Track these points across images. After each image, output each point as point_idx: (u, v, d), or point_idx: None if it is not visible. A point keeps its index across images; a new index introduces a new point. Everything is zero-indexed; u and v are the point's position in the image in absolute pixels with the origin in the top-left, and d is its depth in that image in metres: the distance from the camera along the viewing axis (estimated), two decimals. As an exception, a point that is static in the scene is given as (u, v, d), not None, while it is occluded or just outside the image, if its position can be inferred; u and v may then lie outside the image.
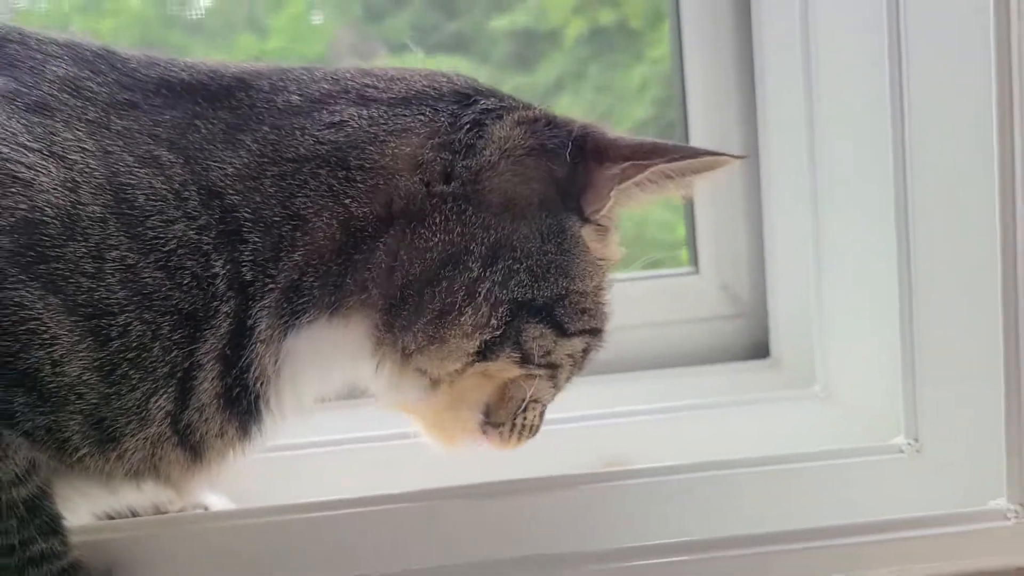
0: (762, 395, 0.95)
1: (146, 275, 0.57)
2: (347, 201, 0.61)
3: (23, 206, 0.54)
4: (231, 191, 0.59)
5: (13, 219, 0.54)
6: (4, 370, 0.54)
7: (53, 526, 0.60)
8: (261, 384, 0.61)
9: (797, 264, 0.95)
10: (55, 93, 0.59)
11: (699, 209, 1.07)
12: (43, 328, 0.55)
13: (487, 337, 0.63)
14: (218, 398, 0.60)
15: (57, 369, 0.55)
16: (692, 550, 0.64)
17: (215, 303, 0.58)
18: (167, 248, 0.57)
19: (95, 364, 0.56)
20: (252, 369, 0.60)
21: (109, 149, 0.58)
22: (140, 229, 0.57)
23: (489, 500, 0.70)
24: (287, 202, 0.60)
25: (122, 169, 0.58)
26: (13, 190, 0.54)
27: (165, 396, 0.58)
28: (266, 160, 0.60)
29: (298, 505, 0.69)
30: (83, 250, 0.55)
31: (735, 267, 1.07)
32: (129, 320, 0.56)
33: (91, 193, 0.56)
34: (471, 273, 0.62)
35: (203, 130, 0.61)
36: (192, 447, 0.61)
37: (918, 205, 0.72)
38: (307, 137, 0.61)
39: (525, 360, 0.64)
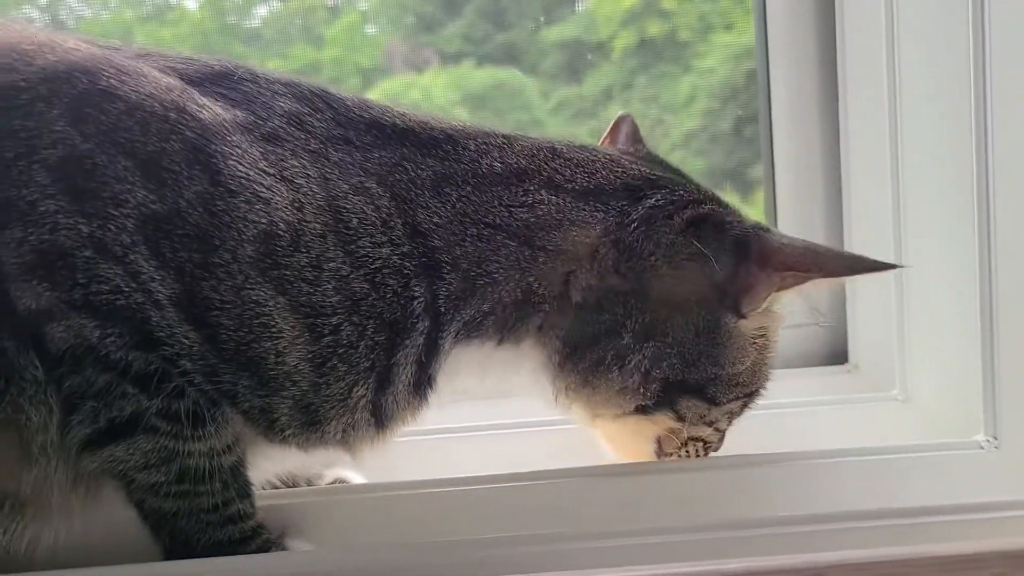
0: (843, 396, 1.01)
1: (355, 285, 0.66)
2: (530, 278, 0.71)
3: (263, 220, 0.65)
4: (435, 237, 0.69)
5: (256, 231, 0.64)
6: (238, 356, 0.65)
7: (247, 490, 0.70)
8: (437, 376, 0.72)
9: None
10: (284, 126, 0.68)
11: (781, 220, 1.13)
12: (272, 323, 0.65)
13: (640, 403, 0.74)
14: (409, 386, 0.71)
15: (279, 358, 0.65)
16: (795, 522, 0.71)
17: (413, 320, 0.68)
18: (374, 266, 0.67)
19: (309, 356, 0.66)
20: (435, 367, 0.71)
21: (328, 176, 0.67)
22: (352, 246, 0.67)
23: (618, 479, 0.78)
24: (482, 263, 0.70)
25: (339, 194, 0.67)
26: (258, 207, 0.65)
27: (365, 386, 0.68)
28: (467, 219, 0.70)
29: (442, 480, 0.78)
30: (305, 260, 0.65)
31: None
32: (340, 321, 0.66)
33: (314, 213, 0.66)
34: (622, 341, 0.73)
35: (410, 172, 0.70)
36: (380, 423, 0.71)
37: (1000, 208, 0.78)
38: (503, 209, 0.71)
39: (681, 420, 0.76)
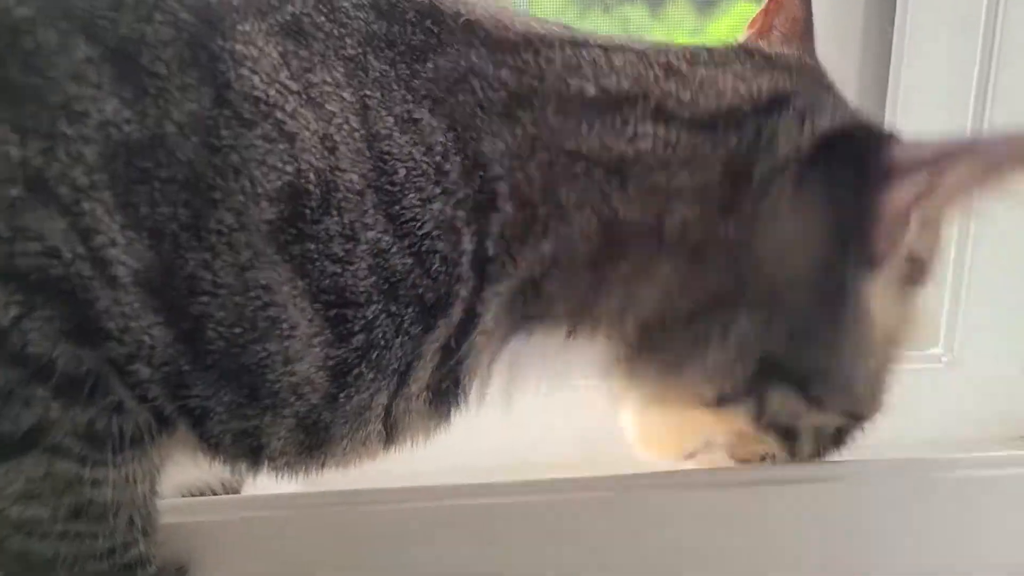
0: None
1: (397, 261, 0.47)
2: (615, 204, 0.51)
3: (290, 168, 0.43)
4: (497, 165, 0.49)
5: (279, 183, 0.43)
6: (225, 362, 0.44)
7: (153, 524, 0.49)
8: (469, 378, 0.52)
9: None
10: (309, 12, 0.46)
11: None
12: (285, 316, 0.44)
13: (727, 388, 0.55)
14: (427, 389, 0.50)
15: (288, 367, 0.45)
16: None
17: (456, 286, 0.49)
18: (423, 231, 0.47)
19: (330, 363, 0.46)
20: (466, 362, 0.51)
21: (368, 103, 0.46)
22: (397, 207, 0.46)
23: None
24: (550, 187, 0.50)
25: (383, 132, 0.46)
26: (282, 146, 0.43)
27: (387, 392, 0.48)
28: (540, 144, 0.50)
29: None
30: (336, 228, 0.45)
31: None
32: (376, 313, 0.46)
33: (351, 158, 0.45)
34: (724, 310, 0.53)
35: (478, 92, 0.49)
36: (390, 436, 0.51)
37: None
38: (593, 138, 0.51)
39: (759, 417, 0.56)
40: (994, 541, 0.62)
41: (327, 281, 0.45)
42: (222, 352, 0.44)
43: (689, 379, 0.54)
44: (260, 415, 0.46)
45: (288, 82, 0.44)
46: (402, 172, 0.46)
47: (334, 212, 0.45)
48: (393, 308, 0.47)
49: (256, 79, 0.43)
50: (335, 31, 0.46)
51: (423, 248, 0.47)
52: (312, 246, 0.44)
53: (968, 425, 0.86)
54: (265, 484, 0.58)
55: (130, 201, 0.42)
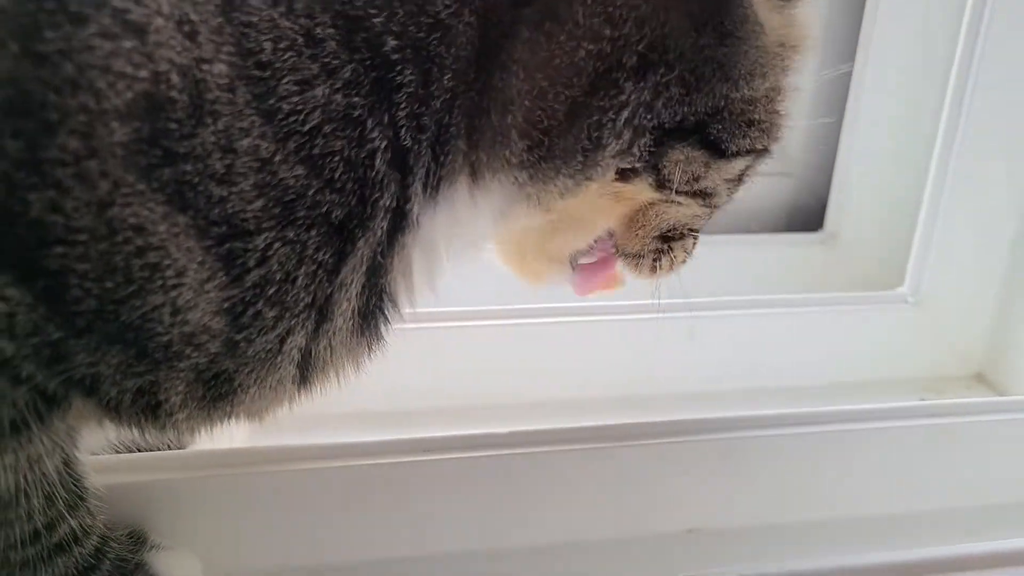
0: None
1: (285, 172, 0.38)
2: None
3: (143, 73, 0.34)
4: (372, 9, 0.39)
5: (131, 94, 0.34)
6: (102, 322, 0.36)
7: (81, 494, 0.43)
8: (398, 285, 0.45)
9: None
10: None
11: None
12: (167, 262, 0.36)
13: (624, 166, 0.46)
14: (355, 315, 0.43)
15: (177, 317, 0.37)
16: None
17: (375, 196, 0.40)
18: (308, 126, 0.38)
19: (225, 306, 0.38)
20: (393, 271, 0.43)
21: None
22: (272, 101, 0.37)
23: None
24: (425, 5, 0.40)
25: (236, 1, 0.37)
26: (127, 43, 0.34)
27: (302, 333, 0.41)
28: None
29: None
30: (212, 139, 0.36)
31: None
32: (269, 242, 0.38)
33: (212, 42, 0.36)
34: (621, 96, 0.43)
35: None
36: (305, 378, 0.44)
37: None
38: None
39: (664, 187, 0.48)
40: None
41: (215, 210, 0.36)
42: (94, 312, 0.36)
43: (585, 177, 0.46)
44: (154, 370, 0.38)
45: None
46: (267, 48, 0.37)
47: (208, 119, 0.36)
48: (290, 234, 0.38)
49: None
50: None
51: (314, 151, 0.38)
52: (188, 167, 0.35)
53: (929, 363, 0.86)
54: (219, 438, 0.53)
55: None
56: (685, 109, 0.45)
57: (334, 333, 0.42)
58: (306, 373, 0.44)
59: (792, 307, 0.83)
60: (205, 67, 0.36)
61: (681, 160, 0.47)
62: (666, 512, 0.59)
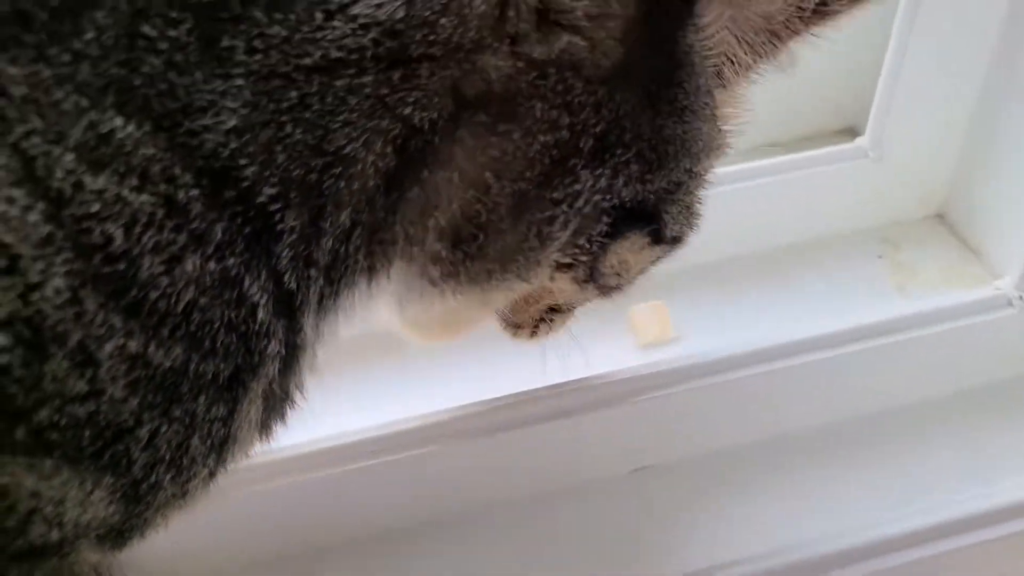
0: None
1: (161, 359, 0.34)
2: (407, 111, 0.37)
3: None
4: (241, 156, 0.34)
5: None
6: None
7: None
8: (297, 389, 0.43)
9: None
10: None
11: None
12: (44, 505, 0.33)
13: (564, 260, 0.46)
14: (255, 427, 0.41)
15: (66, 530, 0.35)
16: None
17: (262, 345, 0.37)
18: (182, 304, 0.34)
19: (118, 495, 0.36)
20: (292, 383, 0.42)
21: (27, 148, 0.31)
22: (134, 293, 0.33)
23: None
24: (321, 142, 0.36)
25: (66, 187, 0.31)
26: None
27: (202, 475, 0.39)
28: (277, 81, 0.34)
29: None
30: (65, 365, 0.32)
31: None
32: (152, 431, 0.35)
33: (40, 259, 0.31)
34: (576, 184, 0.42)
35: (159, 46, 0.33)
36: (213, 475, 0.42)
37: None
38: (336, 26, 0.35)
39: (589, 280, 0.48)
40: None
41: (86, 432, 0.33)
42: None
43: (526, 275, 0.45)
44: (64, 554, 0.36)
45: None
46: (118, 235, 0.32)
47: (53, 348, 0.31)
48: (176, 412, 0.35)
49: None
50: None
51: (191, 327, 0.34)
52: (44, 413, 0.32)
53: (890, 213, 0.84)
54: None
55: None
56: (645, 187, 0.44)
57: (237, 449, 0.41)
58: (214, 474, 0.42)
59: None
60: (35, 296, 0.31)
61: (625, 249, 0.46)
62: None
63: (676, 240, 0.49)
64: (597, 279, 0.48)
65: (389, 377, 0.69)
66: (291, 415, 0.44)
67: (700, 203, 0.49)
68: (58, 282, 0.31)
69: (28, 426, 0.32)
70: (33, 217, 0.31)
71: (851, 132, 0.91)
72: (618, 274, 0.48)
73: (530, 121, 0.40)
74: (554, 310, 0.54)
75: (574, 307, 0.54)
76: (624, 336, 0.74)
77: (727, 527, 0.62)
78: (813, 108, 0.92)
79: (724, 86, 0.47)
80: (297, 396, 0.43)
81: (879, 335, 0.66)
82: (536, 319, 0.54)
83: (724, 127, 0.48)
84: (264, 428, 0.42)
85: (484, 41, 0.38)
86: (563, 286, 0.48)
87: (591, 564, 0.60)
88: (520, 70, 0.39)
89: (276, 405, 0.42)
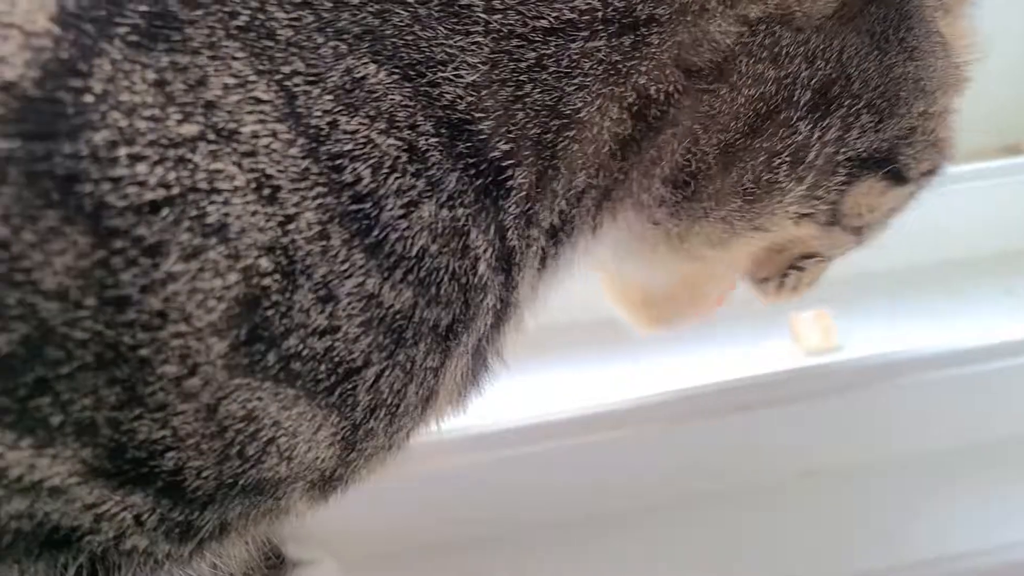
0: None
1: (392, 300, 0.35)
2: (641, 80, 0.39)
3: (232, 278, 0.31)
4: (477, 111, 0.36)
5: (224, 305, 0.31)
6: (219, 494, 0.35)
7: None
8: (500, 354, 0.43)
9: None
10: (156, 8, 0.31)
11: None
12: (280, 433, 0.35)
13: (804, 211, 0.45)
14: (459, 384, 0.42)
15: (292, 464, 0.36)
16: None
17: (479, 298, 0.38)
18: (416, 248, 0.35)
19: (338, 438, 0.37)
20: (496, 344, 0.42)
21: (291, 87, 0.33)
22: (376, 232, 0.34)
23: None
24: (557, 104, 0.37)
25: (323, 124, 0.33)
26: (211, 254, 0.31)
27: (407, 428, 0.40)
28: (515, 41, 0.36)
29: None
30: (310, 297, 0.33)
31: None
32: (379, 372, 0.36)
33: (296, 192, 0.32)
34: (797, 136, 0.42)
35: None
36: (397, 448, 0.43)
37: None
38: None
39: (831, 224, 0.47)
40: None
41: (322, 367, 0.34)
42: (214, 489, 0.35)
43: (757, 223, 0.45)
44: (275, 501, 0.37)
45: (180, 126, 0.31)
46: (366, 175, 0.34)
47: (301, 280, 0.33)
48: (400, 357, 0.36)
49: (141, 167, 0.30)
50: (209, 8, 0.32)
51: (422, 273, 0.35)
52: (291, 342, 0.33)
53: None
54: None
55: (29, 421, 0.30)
56: (878, 136, 0.43)
57: (432, 409, 0.41)
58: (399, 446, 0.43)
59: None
60: (290, 227, 0.32)
61: (863, 193, 0.45)
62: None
63: (929, 174, 0.47)
64: (840, 221, 0.47)
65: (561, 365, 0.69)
66: (486, 383, 0.44)
67: (947, 132, 0.47)
68: (310, 216, 0.33)
69: (278, 353, 0.33)
70: (293, 151, 0.32)
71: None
72: (860, 215, 0.47)
73: (735, 76, 0.40)
74: (806, 257, 0.51)
75: (829, 256, 0.52)
76: (788, 344, 0.73)
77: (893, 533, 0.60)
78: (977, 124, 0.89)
79: (947, 11, 0.45)
80: (496, 362, 0.44)
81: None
82: (783, 269, 0.52)
83: (958, 59, 0.46)
84: (460, 393, 0.43)
85: (708, 4, 0.39)
86: (810, 231, 0.47)
87: (754, 566, 0.59)
88: (740, 33, 0.40)
89: (476, 368, 0.42)
